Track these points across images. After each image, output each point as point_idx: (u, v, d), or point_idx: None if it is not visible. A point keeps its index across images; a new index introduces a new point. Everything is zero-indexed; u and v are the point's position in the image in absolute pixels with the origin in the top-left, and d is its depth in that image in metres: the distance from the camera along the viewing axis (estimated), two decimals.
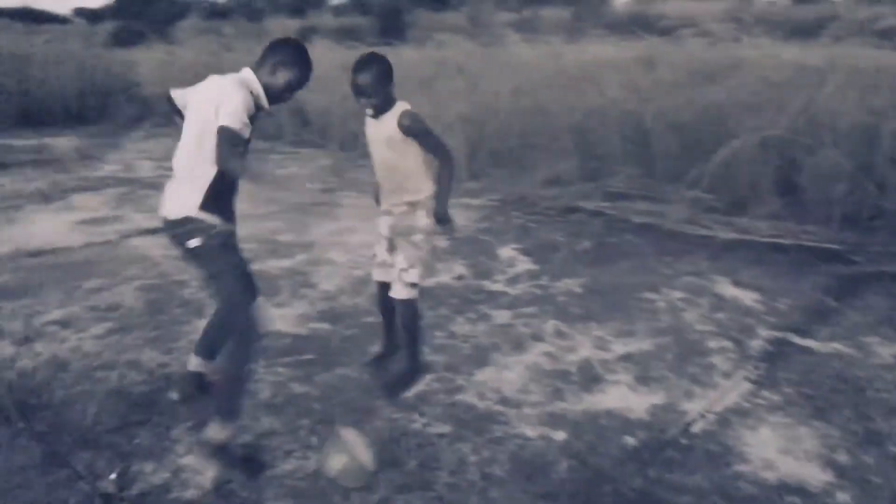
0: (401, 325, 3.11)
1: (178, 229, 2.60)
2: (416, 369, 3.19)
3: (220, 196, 2.60)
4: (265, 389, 3.12)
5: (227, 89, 2.53)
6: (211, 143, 2.45)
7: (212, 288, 2.76)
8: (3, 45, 13.53)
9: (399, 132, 2.83)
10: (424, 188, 2.96)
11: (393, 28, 19.66)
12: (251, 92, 2.58)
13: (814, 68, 5.86)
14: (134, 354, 3.44)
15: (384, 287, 3.13)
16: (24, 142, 10.21)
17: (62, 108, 12.27)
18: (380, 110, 2.84)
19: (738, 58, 6.17)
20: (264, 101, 2.66)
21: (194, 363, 2.85)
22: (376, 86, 2.77)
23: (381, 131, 2.89)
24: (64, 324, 3.80)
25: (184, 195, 2.59)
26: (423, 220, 2.97)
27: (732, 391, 3.14)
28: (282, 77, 2.65)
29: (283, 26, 21.79)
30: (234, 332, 2.64)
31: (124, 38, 18.91)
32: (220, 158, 2.41)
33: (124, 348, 3.51)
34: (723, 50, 6.57)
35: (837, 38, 6.89)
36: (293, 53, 2.68)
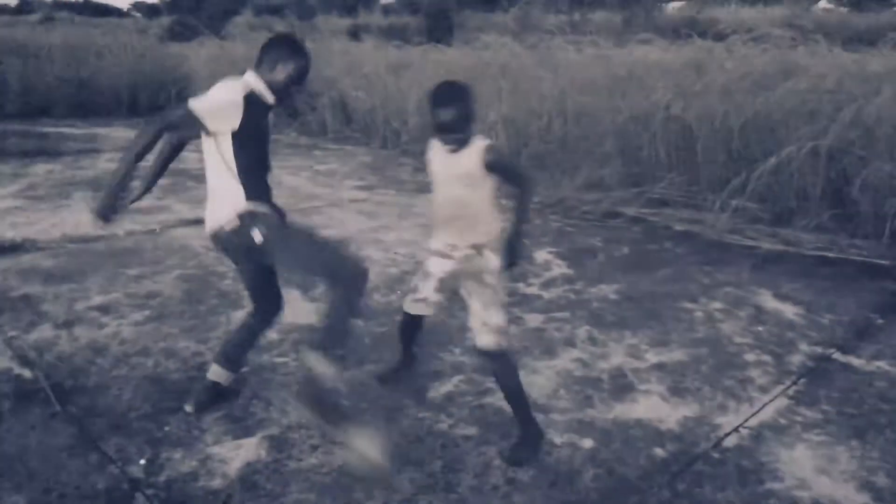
0: (501, 386, 2.75)
1: (232, 233, 2.63)
2: (535, 434, 2.72)
3: (257, 182, 2.67)
4: (295, 382, 3.14)
5: (219, 84, 2.63)
6: (224, 145, 2.59)
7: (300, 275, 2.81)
8: (62, 36, 13.99)
9: (480, 168, 2.57)
10: (494, 228, 2.69)
11: (441, 28, 19.73)
12: (251, 91, 2.64)
13: (870, 76, 5.67)
14: (170, 343, 3.51)
15: (414, 318, 2.99)
16: (77, 131, 10.52)
17: (115, 99, 12.60)
18: (454, 141, 2.57)
19: (791, 64, 6.00)
20: (268, 98, 2.71)
21: (215, 372, 2.90)
22: (464, 122, 2.52)
23: (457, 166, 2.60)
24: (104, 309, 3.89)
25: (222, 201, 2.66)
26: (494, 261, 2.68)
27: (769, 406, 3.05)
28: (281, 72, 2.70)
29: (333, 24, 22.06)
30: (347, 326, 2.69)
31: (178, 33, 19.37)
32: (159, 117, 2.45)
33: (161, 336, 3.58)
34: (777, 56, 6.39)
35: None
36: (288, 48, 2.73)
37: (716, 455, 2.69)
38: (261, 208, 2.64)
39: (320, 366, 2.54)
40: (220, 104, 2.55)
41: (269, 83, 2.70)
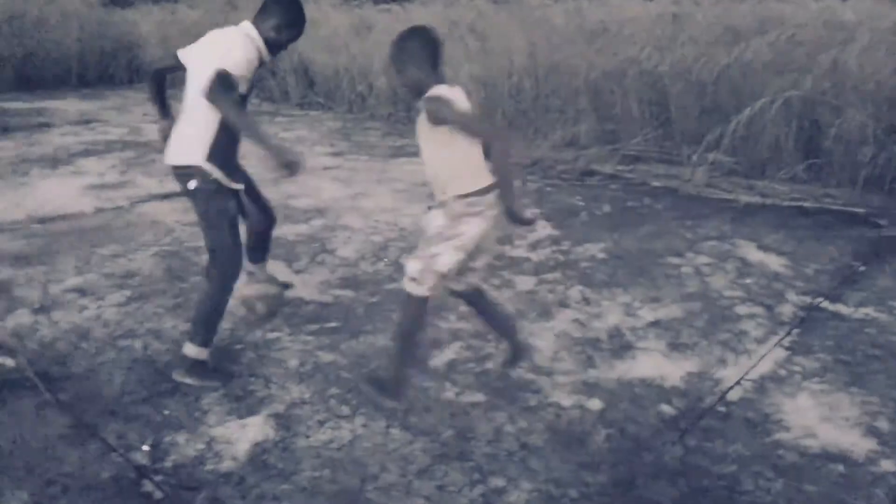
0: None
1: (180, 173, 2.78)
2: (390, 380, 2.74)
3: (222, 149, 2.73)
4: (292, 357, 3.07)
5: (232, 39, 2.70)
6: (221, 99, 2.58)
7: (206, 239, 2.87)
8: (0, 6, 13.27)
9: (426, 122, 2.46)
10: (469, 185, 2.51)
11: None
12: (255, 46, 2.74)
13: (842, 25, 5.70)
14: (155, 323, 3.39)
15: (468, 294, 2.81)
16: (24, 105, 10.05)
17: (62, 70, 12.04)
18: (414, 96, 2.51)
19: (765, 15, 5.99)
20: (265, 53, 2.79)
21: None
22: (399, 66, 2.51)
23: (419, 122, 2.52)
24: (81, 291, 3.74)
25: (186, 143, 2.74)
26: (440, 218, 2.58)
27: (767, 358, 3.09)
28: (279, 29, 2.77)
29: None
30: (222, 296, 2.83)
31: None
32: (210, 95, 2.54)
33: (145, 317, 3.45)
34: (750, 8, 6.38)
35: None
36: (294, 11, 2.81)
37: (722, 409, 2.72)
38: (210, 168, 2.72)
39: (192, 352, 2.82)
40: (245, 65, 2.66)
41: (265, 39, 2.76)
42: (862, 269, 4.09)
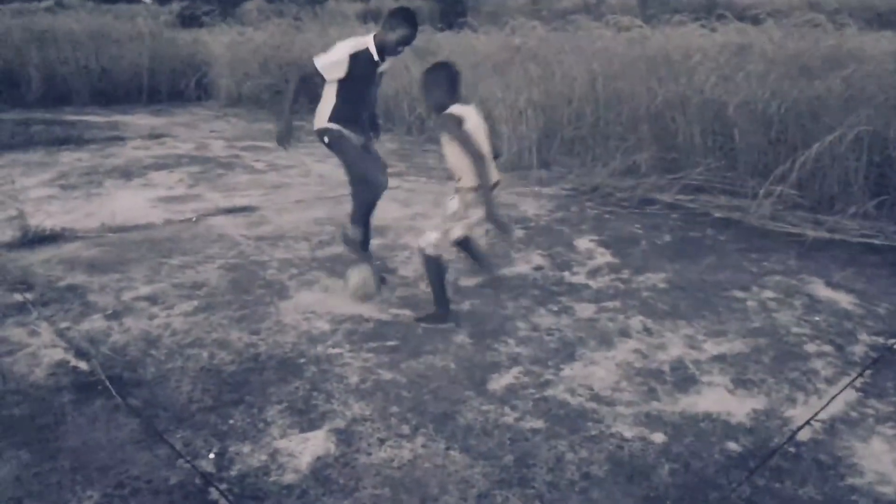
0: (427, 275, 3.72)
1: (318, 134, 4.11)
2: (440, 314, 3.69)
3: (340, 114, 3.99)
4: (353, 374, 3.11)
5: (341, 43, 3.93)
6: (335, 85, 3.96)
7: (346, 173, 4.13)
8: (79, 24, 13.92)
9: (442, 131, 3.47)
10: (470, 180, 3.38)
11: (454, 12, 19.52)
12: (358, 49, 3.86)
13: None
14: (222, 334, 3.47)
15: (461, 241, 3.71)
16: (100, 118, 10.49)
17: (135, 87, 12.54)
18: (437, 113, 3.46)
19: (835, 48, 5.87)
20: (374, 55, 3.91)
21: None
22: (426, 91, 3.48)
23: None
24: (152, 300, 3.86)
25: (317, 114, 4.06)
26: (455, 203, 3.50)
27: (838, 399, 2.99)
28: (392, 35, 3.86)
29: (345, 8, 21.88)
30: (363, 202, 4.12)
31: (190, 19, 19.24)
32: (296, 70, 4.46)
33: (212, 327, 3.54)
34: (820, 40, 6.26)
35: None
36: (402, 17, 3.87)
37: (791, 449, 2.64)
38: (333, 127, 3.99)
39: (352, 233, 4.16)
40: (330, 62, 3.87)
41: (382, 42, 3.88)
42: None
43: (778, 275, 4.44)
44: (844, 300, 4.06)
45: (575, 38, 8.08)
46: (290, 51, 11.40)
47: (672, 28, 7.58)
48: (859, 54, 5.73)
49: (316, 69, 3.85)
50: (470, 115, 3.37)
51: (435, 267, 3.59)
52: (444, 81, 3.37)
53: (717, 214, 5.77)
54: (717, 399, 2.99)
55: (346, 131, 3.99)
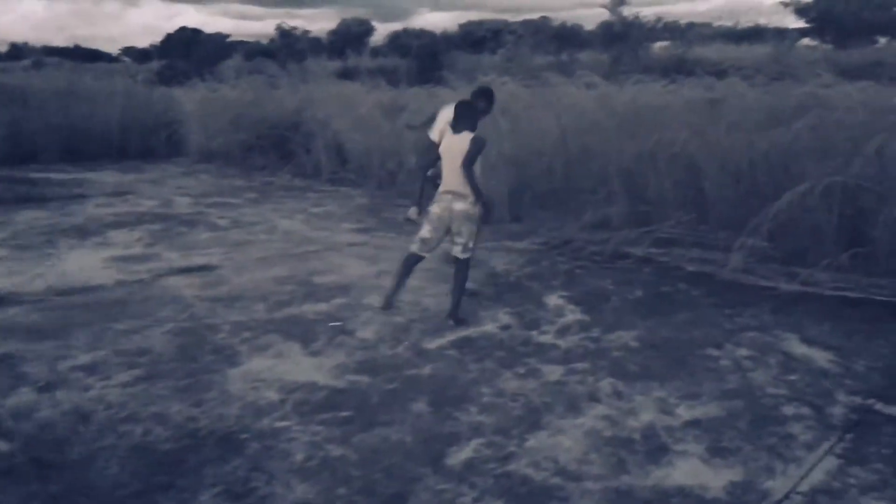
0: (455, 278, 4.40)
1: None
2: (456, 314, 4.38)
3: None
4: (299, 451, 2.87)
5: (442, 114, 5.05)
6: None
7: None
8: (52, 81, 13.84)
9: (465, 146, 4.27)
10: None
11: (430, 70, 19.76)
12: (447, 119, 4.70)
13: (891, 109, 5.54)
14: (161, 406, 3.22)
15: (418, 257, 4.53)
16: (65, 176, 10.29)
17: (105, 143, 12.39)
18: (459, 130, 4.37)
19: (804, 101, 5.87)
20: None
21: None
22: (464, 122, 4.37)
23: (456, 140, 4.38)
24: (90, 370, 3.60)
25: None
26: (461, 205, 4.30)
27: (818, 468, 2.80)
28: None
29: (323, 66, 22.09)
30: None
31: (168, 77, 19.29)
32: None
33: (151, 399, 3.29)
34: (788, 90, 6.28)
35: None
36: (482, 94, 4.87)
37: None
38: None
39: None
40: (436, 128, 4.85)
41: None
42: None
43: (752, 331, 4.29)
44: (821, 357, 3.90)
45: (544, 94, 8.07)
46: (261, 107, 11.36)
47: (640, 85, 7.62)
48: (829, 104, 5.73)
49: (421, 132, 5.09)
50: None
51: (467, 269, 4.39)
52: (473, 114, 4.43)
53: (690, 268, 5.64)
54: (691, 470, 2.78)
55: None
